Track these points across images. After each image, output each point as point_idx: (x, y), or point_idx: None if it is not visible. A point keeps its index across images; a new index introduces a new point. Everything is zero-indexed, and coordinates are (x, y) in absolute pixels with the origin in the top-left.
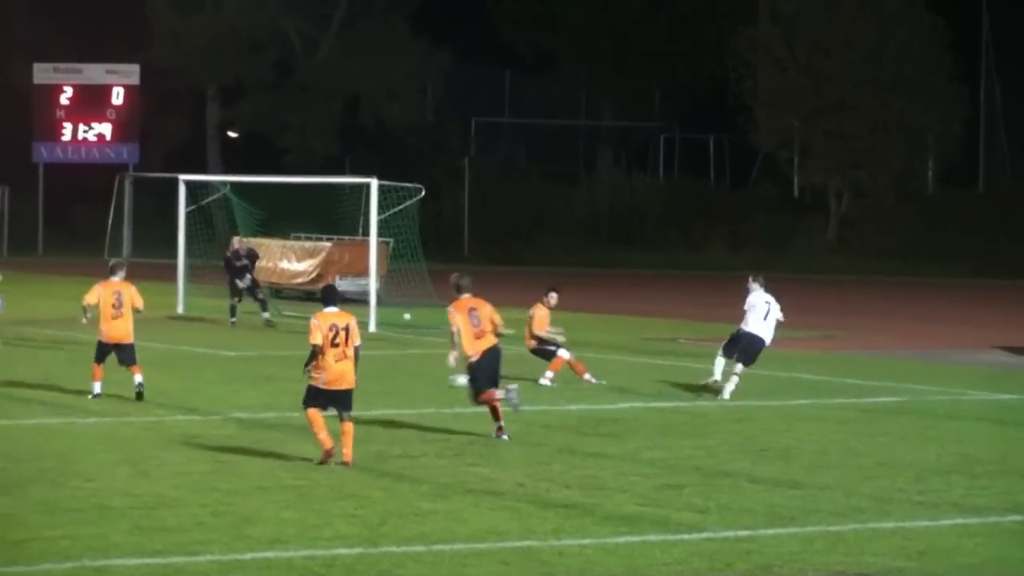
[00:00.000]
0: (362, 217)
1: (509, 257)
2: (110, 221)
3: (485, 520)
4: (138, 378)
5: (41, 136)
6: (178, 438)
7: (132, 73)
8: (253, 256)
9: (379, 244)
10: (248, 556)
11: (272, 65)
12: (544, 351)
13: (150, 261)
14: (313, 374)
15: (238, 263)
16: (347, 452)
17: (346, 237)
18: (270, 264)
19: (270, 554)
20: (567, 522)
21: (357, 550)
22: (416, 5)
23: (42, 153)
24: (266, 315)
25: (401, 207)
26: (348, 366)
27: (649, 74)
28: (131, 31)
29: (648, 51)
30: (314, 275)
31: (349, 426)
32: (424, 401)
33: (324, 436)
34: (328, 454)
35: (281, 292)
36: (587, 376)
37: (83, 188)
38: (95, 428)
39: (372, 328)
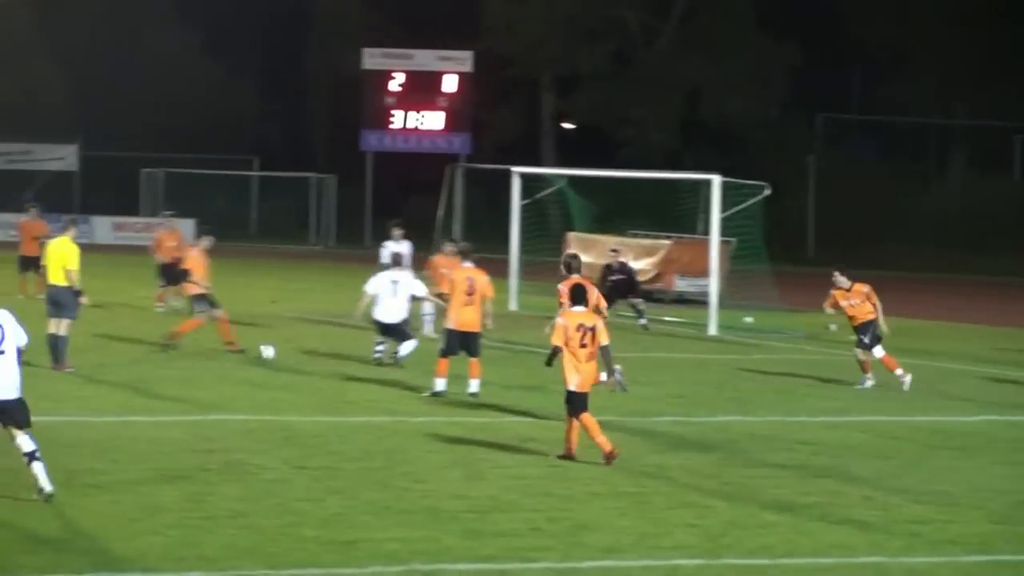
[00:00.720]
0: (702, 215)
1: (856, 260)
2: (439, 213)
3: (831, 534)
4: (474, 384)
5: (370, 124)
6: (511, 440)
7: (465, 60)
8: (630, 272)
9: (721, 244)
10: (585, 564)
11: (610, 55)
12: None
13: (480, 256)
14: (566, 378)
15: (612, 278)
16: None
17: (686, 235)
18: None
19: (607, 563)
20: (917, 539)
21: (697, 561)
22: None
23: (371, 141)
24: (643, 322)
25: (745, 205)
26: (594, 366)
27: (1007, 71)
28: (465, 17)
29: (1006, 48)
30: (653, 274)
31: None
32: (766, 409)
33: (603, 439)
34: (611, 455)
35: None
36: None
37: (412, 178)
38: (424, 427)
39: (712, 331)
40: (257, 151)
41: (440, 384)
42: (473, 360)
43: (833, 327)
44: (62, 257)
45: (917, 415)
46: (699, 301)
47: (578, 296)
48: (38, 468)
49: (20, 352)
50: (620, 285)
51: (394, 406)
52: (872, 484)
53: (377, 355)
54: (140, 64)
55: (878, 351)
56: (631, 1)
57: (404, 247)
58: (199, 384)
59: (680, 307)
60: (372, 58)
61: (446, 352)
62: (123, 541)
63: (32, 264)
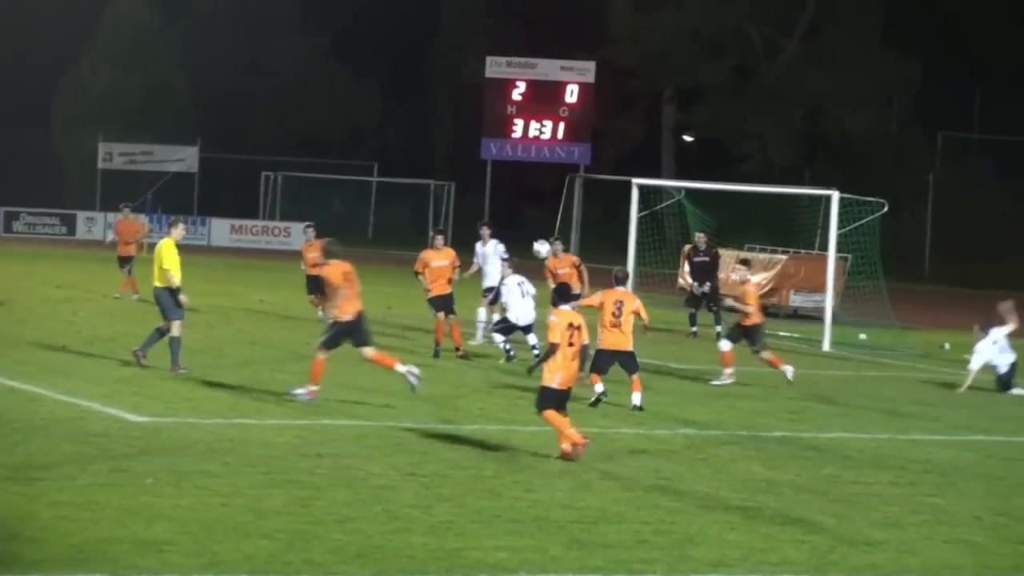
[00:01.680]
0: (819, 231)
1: (972, 279)
2: (557, 223)
3: (938, 553)
4: (636, 397)
5: (490, 132)
6: (622, 451)
7: (588, 71)
8: (715, 257)
9: (837, 260)
10: None
11: (732, 69)
12: None
13: (598, 267)
14: (547, 375)
15: (696, 259)
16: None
17: (803, 250)
18: (722, 275)
19: None
20: None
21: None
22: (885, 12)
23: (491, 150)
24: (719, 329)
25: (862, 222)
26: (577, 365)
27: None
28: (589, 28)
29: None
30: (768, 288)
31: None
32: (878, 426)
33: (573, 431)
34: (578, 447)
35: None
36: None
37: (531, 187)
38: (535, 436)
39: (826, 347)
40: (377, 157)
41: (599, 387)
42: (634, 377)
43: (947, 346)
44: (158, 258)
45: None
46: (814, 316)
47: (564, 295)
48: None
49: None
50: (703, 267)
51: (505, 415)
52: (981, 504)
53: (510, 353)
54: (264, 67)
55: None
56: (755, 15)
57: (492, 247)
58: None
59: (795, 322)
60: (495, 66)
61: (595, 369)
62: (231, 543)
63: (125, 264)
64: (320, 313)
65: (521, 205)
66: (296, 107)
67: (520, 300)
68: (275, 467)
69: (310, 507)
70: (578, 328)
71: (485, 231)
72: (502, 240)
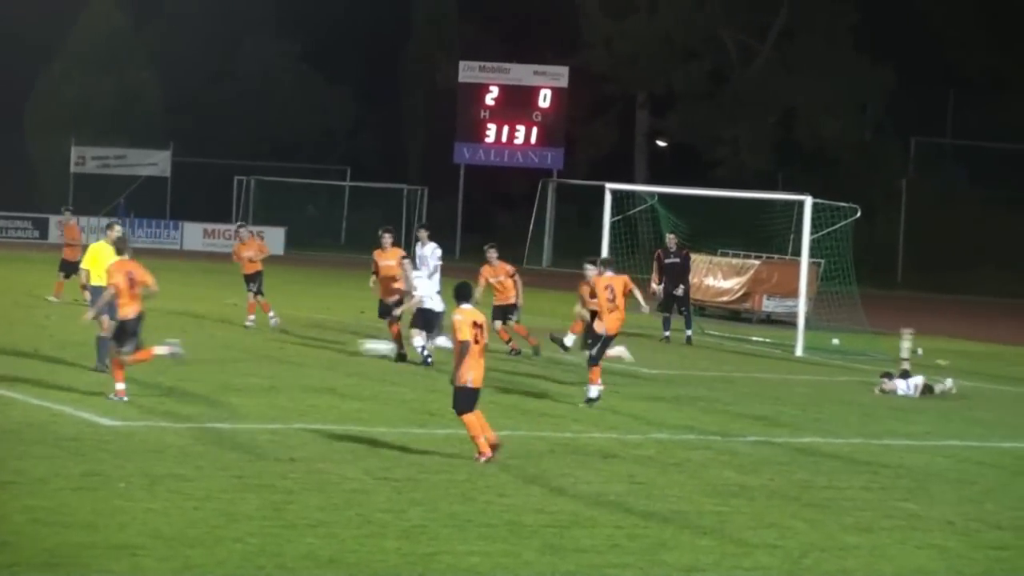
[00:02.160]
0: (792, 236)
1: (945, 285)
2: (531, 228)
3: (911, 558)
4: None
5: (464, 137)
6: (594, 456)
7: (560, 76)
8: (686, 259)
9: (810, 265)
10: None
11: (706, 74)
12: None
13: (570, 271)
14: (462, 375)
15: (667, 260)
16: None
17: (775, 256)
18: (695, 280)
19: None
20: (997, 564)
21: None
22: (858, 18)
23: (464, 154)
24: (689, 332)
25: (835, 227)
26: (484, 362)
27: None
28: (562, 33)
29: None
30: (740, 294)
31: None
32: (851, 431)
33: (491, 434)
34: (495, 449)
35: (705, 310)
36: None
37: (503, 192)
38: (507, 441)
39: (799, 352)
40: (350, 161)
41: (595, 391)
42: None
43: (919, 351)
44: (88, 259)
45: (1002, 441)
46: (786, 322)
47: (464, 294)
48: None
49: None
50: (674, 269)
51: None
52: (954, 509)
53: (428, 360)
54: (237, 72)
55: None
56: (728, 21)
57: (429, 250)
58: (284, 393)
59: (767, 327)
60: (468, 71)
61: (599, 359)
62: (204, 548)
63: (67, 268)
64: (249, 319)
65: (494, 210)
66: (269, 111)
67: (427, 282)
68: (248, 471)
69: (283, 511)
70: (481, 326)
71: (423, 233)
72: (475, 242)
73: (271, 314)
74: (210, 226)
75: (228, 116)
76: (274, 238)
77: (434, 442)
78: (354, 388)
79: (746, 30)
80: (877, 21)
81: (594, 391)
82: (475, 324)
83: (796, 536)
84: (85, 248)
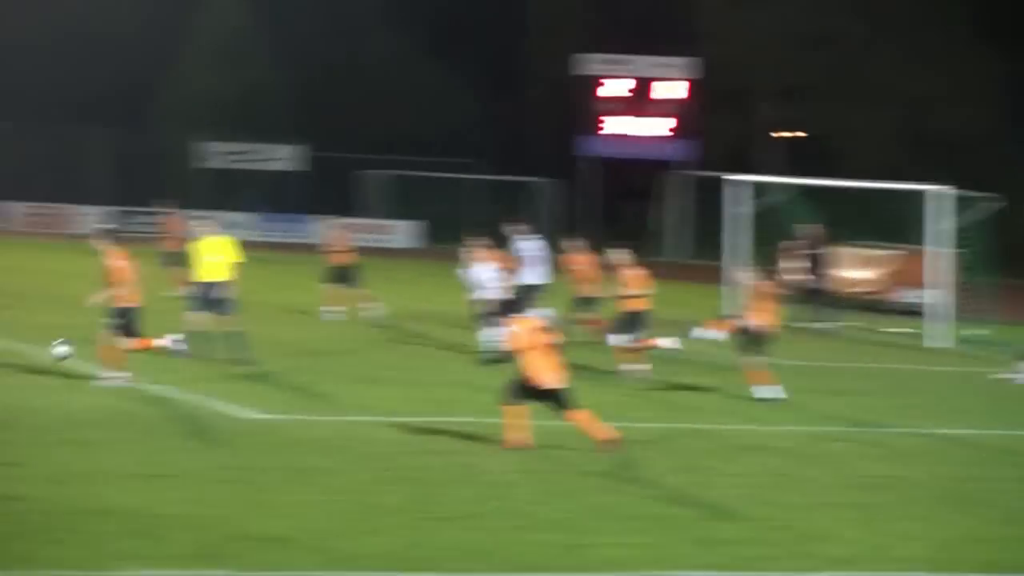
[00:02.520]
0: (927, 227)
1: None
2: (655, 220)
3: None
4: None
5: (586, 129)
6: (738, 448)
7: (684, 67)
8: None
9: (947, 256)
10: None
11: (832, 65)
12: None
13: (693, 263)
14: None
15: (812, 252)
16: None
17: (911, 247)
18: (832, 271)
19: (840, 574)
20: None
21: (928, 574)
22: (982, 6)
23: (586, 147)
24: (826, 324)
25: (973, 219)
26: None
27: None
28: (685, 24)
29: None
30: (876, 285)
31: None
32: (997, 421)
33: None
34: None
35: (839, 301)
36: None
37: (626, 185)
38: (652, 433)
39: (935, 342)
40: (474, 154)
41: (767, 391)
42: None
43: None
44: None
45: None
46: (922, 313)
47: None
48: None
49: None
50: (817, 260)
51: (622, 412)
52: None
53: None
54: (360, 66)
55: None
56: (854, 11)
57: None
58: (421, 386)
59: (903, 318)
60: (589, 63)
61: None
62: (350, 540)
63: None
64: (337, 310)
65: (618, 202)
66: (395, 105)
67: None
68: (391, 464)
69: (428, 504)
70: (541, 330)
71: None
72: (598, 236)
73: (369, 306)
74: (342, 221)
75: (354, 109)
76: (406, 232)
77: (573, 436)
78: (490, 380)
79: (870, 21)
80: (1005, 6)
81: (767, 391)
82: (534, 329)
83: (944, 527)
84: (184, 241)
